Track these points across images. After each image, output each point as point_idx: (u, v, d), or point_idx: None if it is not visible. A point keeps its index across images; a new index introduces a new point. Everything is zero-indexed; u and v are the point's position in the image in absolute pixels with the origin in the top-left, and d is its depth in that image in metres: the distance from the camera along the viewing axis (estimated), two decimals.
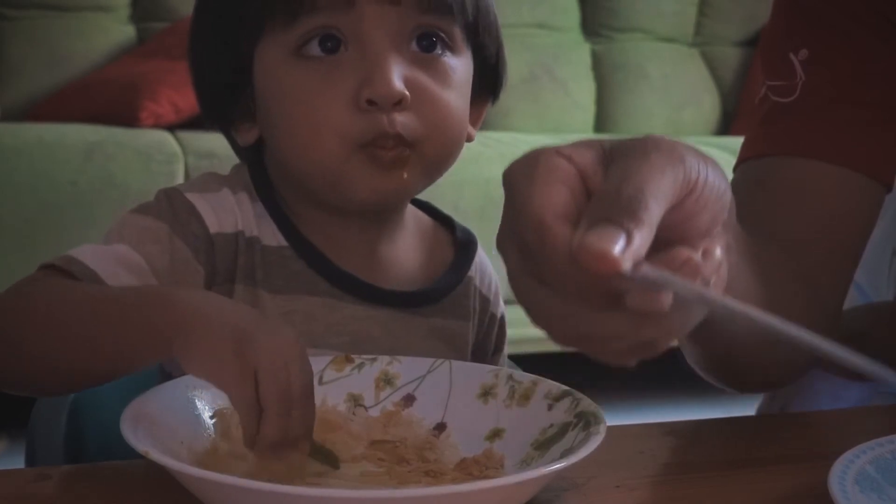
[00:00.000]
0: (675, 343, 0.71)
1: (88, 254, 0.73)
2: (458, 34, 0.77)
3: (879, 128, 0.85)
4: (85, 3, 2.82)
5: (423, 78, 0.75)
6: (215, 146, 2.21)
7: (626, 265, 0.46)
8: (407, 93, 0.73)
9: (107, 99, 2.53)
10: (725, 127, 3.30)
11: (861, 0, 0.87)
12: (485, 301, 0.87)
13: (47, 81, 2.69)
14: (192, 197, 0.78)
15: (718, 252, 0.51)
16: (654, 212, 0.48)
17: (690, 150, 0.51)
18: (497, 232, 0.53)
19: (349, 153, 0.74)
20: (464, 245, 0.86)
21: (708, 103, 3.26)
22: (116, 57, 2.79)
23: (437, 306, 0.83)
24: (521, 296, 0.52)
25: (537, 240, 0.49)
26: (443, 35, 0.76)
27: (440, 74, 0.76)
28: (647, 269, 0.47)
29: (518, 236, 0.50)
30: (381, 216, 0.81)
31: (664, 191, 0.48)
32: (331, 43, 0.74)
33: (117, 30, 2.86)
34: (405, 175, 0.75)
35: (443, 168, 0.79)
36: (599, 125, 3.19)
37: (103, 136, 2.35)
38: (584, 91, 3.18)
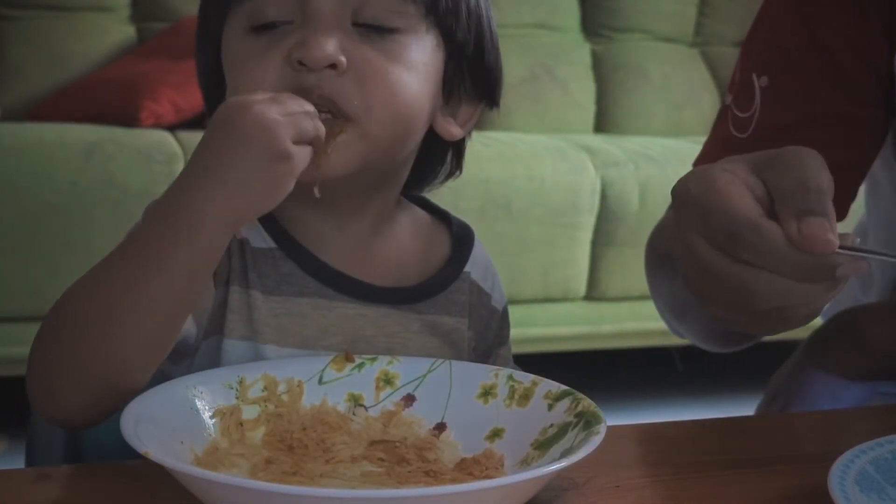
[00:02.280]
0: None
1: None
2: (409, 12, 0.76)
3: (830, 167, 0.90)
4: (85, 3, 2.82)
5: (366, 49, 0.75)
6: None
7: (837, 243, 0.62)
8: (341, 58, 0.73)
9: (107, 99, 2.53)
10: None
11: (832, 36, 0.91)
12: (484, 296, 0.86)
13: (47, 81, 2.69)
14: None
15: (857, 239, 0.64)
16: (831, 200, 0.63)
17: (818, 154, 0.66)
18: (677, 235, 0.68)
19: None
20: (460, 240, 0.86)
21: (708, 103, 3.25)
22: (116, 57, 2.79)
23: (431, 302, 0.82)
24: (721, 281, 0.65)
25: (755, 236, 0.62)
26: (389, 12, 0.75)
27: (387, 49, 0.75)
28: (848, 245, 0.62)
29: (726, 235, 0.64)
30: (365, 210, 0.81)
31: (831, 185, 0.64)
32: (272, 18, 0.75)
33: (117, 30, 2.86)
34: (328, 149, 0.73)
35: (391, 151, 0.77)
36: (599, 125, 3.19)
37: (103, 136, 2.35)
38: (584, 91, 3.18)
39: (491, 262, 0.88)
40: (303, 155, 0.68)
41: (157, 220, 0.67)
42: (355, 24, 0.75)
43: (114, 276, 0.67)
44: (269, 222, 0.80)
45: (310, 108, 0.69)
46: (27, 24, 2.76)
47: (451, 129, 0.82)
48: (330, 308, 0.79)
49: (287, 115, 0.67)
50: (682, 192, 0.67)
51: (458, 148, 0.87)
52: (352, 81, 0.73)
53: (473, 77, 0.81)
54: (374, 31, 0.75)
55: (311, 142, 0.68)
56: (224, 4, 0.78)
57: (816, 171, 0.64)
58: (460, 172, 0.88)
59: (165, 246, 0.66)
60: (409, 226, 0.85)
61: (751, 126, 0.94)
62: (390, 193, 0.83)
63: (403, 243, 0.84)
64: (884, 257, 0.65)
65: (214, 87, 0.82)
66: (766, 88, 0.94)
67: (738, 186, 0.64)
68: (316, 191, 0.73)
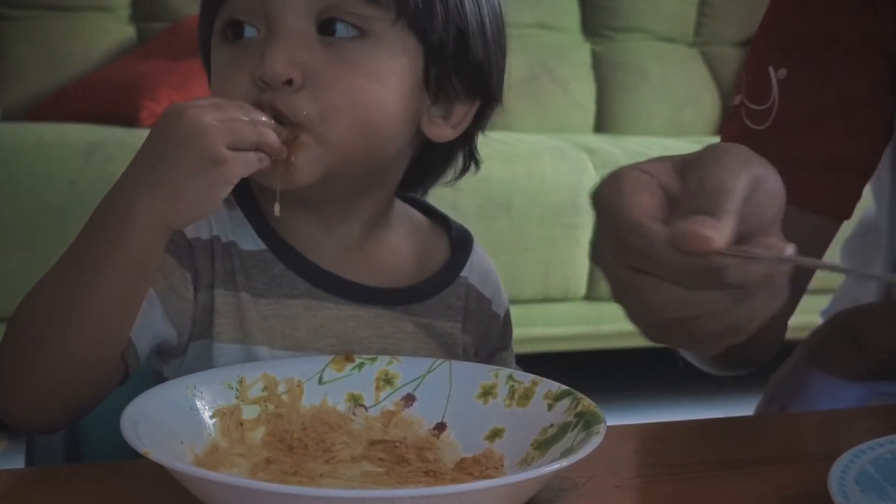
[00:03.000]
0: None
1: None
2: (375, 16, 0.75)
3: (843, 168, 0.89)
4: (85, 3, 2.82)
5: (322, 59, 0.74)
6: None
7: (720, 242, 0.55)
8: (294, 75, 0.73)
9: (107, 99, 2.53)
10: None
11: (844, 24, 0.90)
12: (484, 301, 0.86)
13: (47, 81, 2.69)
14: None
15: (789, 248, 0.58)
16: (734, 201, 0.56)
17: (753, 154, 0.60)
18: (590, 248, 0.63)
19: None
20: (459, 245, 0.86)
21: (708, 103, 3.26)
22: (117, 57, 2.79)
23: (425, 305, 0.82)
24: (623, 291, 0.61)
25: (639, 238, 0.57)
26: (350, 19, 0.75)
27: (347, 58, 0.75)
28: (738, 248, 0.56)
29: (618, 240, 0.59)
30: (355, 212, 0.81)
31: (740, 184, 0.57)
32: (239, 28, 0.76)
33: (117, 30, 2.86)
34: (292, 158, 0.73)
35: (360, 157, 0.77)
36: (600, 125, 3.19)
37: (103, 136, 2.35)
38: (584, 91, 3.18)
39: (492, 268, 0.88)
40: (243, 161, 0.68)
41: (93, 224, 0.69)
42: (320, 33, 0.75)
43: (56, 282, 0.70)
44: (260, 224, 0.80)
45: (258, 116, 0.70)
46: (27, 23, 2.76)
47: (439, 131, 0.81)
48: (321, 309, 0.79)
49: (224, 121, 0.67)
50: (595, 195, 0.62)
51: (467, 145, 0.86)
52: (305, 94, 0.74)
53: (460, 76, 0.80)
54: (338, 39, 0.75)
55: (258, 148, 0.69)
56: (209, 11, 0.79)
57: (727, 170, 0.58)
58: (477, 168, 0.87)
59: (100, 250, 0.68)
60: (404, 229, 0.85)
61: (769, 118, 0.92)
62: (380, 196, 0.82)
63: (397, 246, 0.84)
64: (772, 258, 0.57)
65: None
66: (785, 80, 0.92)
67: (641, 187, 0.59)
68: (276, 209, 0.74)
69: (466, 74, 0.80)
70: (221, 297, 0.78)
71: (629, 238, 0.58)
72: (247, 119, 0.69)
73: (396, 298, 0.81)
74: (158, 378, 0.78)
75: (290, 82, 0.73)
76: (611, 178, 0.61)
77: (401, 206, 0.86)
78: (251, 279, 0.79)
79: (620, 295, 0.62)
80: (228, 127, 0.67)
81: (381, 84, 0.76)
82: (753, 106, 0.94)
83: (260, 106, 0.73)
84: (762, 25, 0.98)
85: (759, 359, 0.97)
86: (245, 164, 0.68)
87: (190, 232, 0.78)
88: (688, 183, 0.59)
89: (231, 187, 0.68)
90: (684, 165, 0.60)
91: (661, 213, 0.58)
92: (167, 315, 0.76)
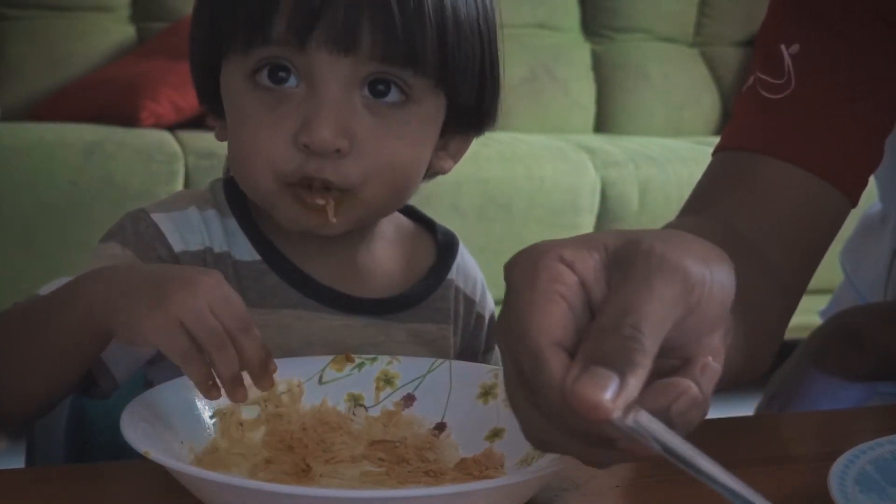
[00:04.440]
0: None
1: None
2: (420, 83, 0.75)
3: (857, 144, 0.87)
4: (85, 3, 2.82)
5: (368, 126, 0.74)
6: (215, 146, 2.21)
7: (617, 413, 0.46)
8: (342, 145, 0.73)
9: (107, 99, 2.53)
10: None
11: (841, 4, 0.88)
12: (469, 303, 0.87)
13: (47, 81, 2.69)
14: (157, 217, 0.79)
15: (715, 365, 0.51)
16: (651, 351, 0.48)
17: (696, 255, 0.50)
18: (495, 323, 0.54)
19: (280, 187, 0.75)
20: (444, 248, 0.86)
21: (708, 103, 3.26)
22: (117, 57, 2.79)
23: (414, 311, 0.83)
24: (513, 403, 0.52)
25: (533, 368, 0.49)
26: (401, 83, 0.75)
27: (393, 123, 0.75)
28: (639, 417, 0.47)
29: (514, 354, 0.50)
30: (357, 231, 0.81)
31: (664, 322, 0.48)
32: (282, 73, 0.74)
33: (117, 30, 2.86)
34: (332, 218, 0.74)
35: (387, 208, 0.80)
36: (600, 125, 3.19)
37: (103, 135, 2.35)
38: (584, 91, 3.18)
39: (476, 269, 0.88)
40: (179, 354, 0.62)
41: (59, 291, 0.70)
42: (370, 94, 0.74)
43: (11, 317, 0.72)
44: (254, 235, 0.80)
45: (249, 344, 0.64)
46: (27, 23, 2.76)
47: (444, 164, 0.82)
48: (312, 319, 0.80)
49: (211, 324, 0.62)
50: (508, 278, 0.52)
51: None
52: (351, 159, 0.73)
53: (469, 118, 0.81)
54: (383, 104, 0.75)
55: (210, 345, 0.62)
56: (224, 46, 0.76)
57: (657, 300, 0.48)
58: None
59: (50, 308, 0.69)
60: (393, 236, 0.85)
61: (787, 90, 0.88)
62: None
63: (387, 254, 0.84)
64: (677, 447, 0.50)
65: (211, 92, 0.80)
66: (798, 55, 0.90)
67: (558, 287, 0.49)
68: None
69: (475, 117, 0.81)
70: None
71: (523, 360, 0.49)
72: (228, 349, 0.62)
73: (387, 308, 0.82)
74: (147, 384, 0.78)
75: (337, 151, 0.73)
76: (529, 258, 0.51)
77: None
78: (245, 289, 0.79)
79: (511, 403, 0.53)
80: (210, 325, 0.62)
81: (418, 145, 0.77)
82: (770, 80, 0.91)
83: (308, 179, 0.73)
84: (771, 5, 0.96)
85: (760, 372, 0.96)
86: (180, 354, 0.62)
87: (178, 245, 0.78)
88: (604, 312, 0.49)
89: (145, 346, 0.66)
90: (614, 261, 0.50)
91: (570, 336, 0.49)
92: None
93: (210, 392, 0.62)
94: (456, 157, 0.83)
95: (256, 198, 0.78)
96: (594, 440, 0.49)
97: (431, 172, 0.83)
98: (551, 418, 0.49)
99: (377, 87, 0.74)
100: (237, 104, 0.76)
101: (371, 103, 0.74)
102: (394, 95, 0.75)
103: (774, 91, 0.89)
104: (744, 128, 0.89)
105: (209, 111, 0.82)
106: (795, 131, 0.86)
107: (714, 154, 0.90)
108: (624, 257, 0.50)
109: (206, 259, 0.78)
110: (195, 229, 0.79)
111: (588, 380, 0.46)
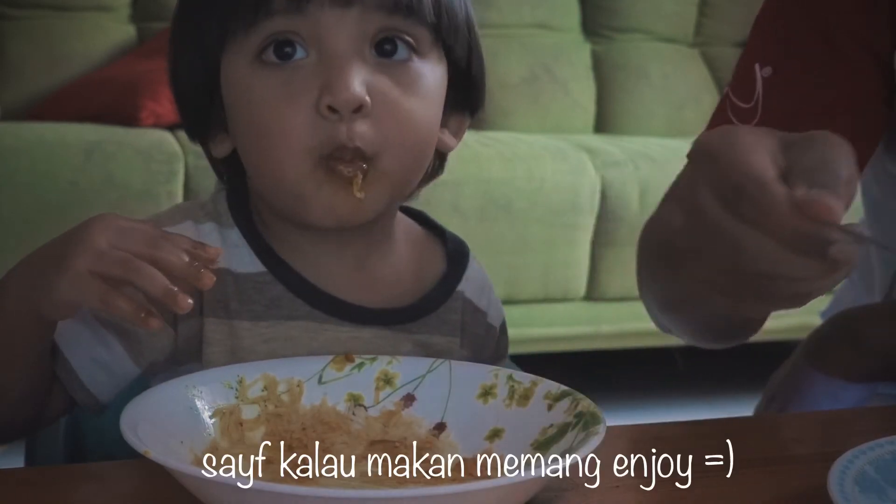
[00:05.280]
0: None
1: None
2: (423, 36, 0.75)
3: None
4: (85, 2, 2.82)
5: (385, 84, 0.74)
6: None
7: (840, 216, 0.59)
8: (367, 98, 0.72)
9: (107, 98, 2.53)
10: None
11: (839, 28, 0.89)
12: (479, 314, 0.85)
13: (48, 81, 2.69)
14: None
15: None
16: (844, 186, 0.61)
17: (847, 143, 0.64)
18: (686, 184, 0.66)
19: (311, 168, 0.73)
20: (454, 257, 0.85)
21: (708, 103, 3.25)
22: (117, 56, 2.79)
23: (422, 322, 0.81)
24: (714, 235, 0.63)
25: (761, 193, 0.60)
26: (407, 38, 0.75)
27: (405, 81, 0.75)
28: (849, 226, 0.60)
29: (730, 188, 0.62)
30: (366, 232, 0.79)
31: (852, 175, 0.62)
32: (288, 48, 0.73)
33: (117, 29, 2.86)
34: (360, 195, 0.73)
35: (406, 183, 0.77)
36: (600, 125, 3.19)
37: (103, 135, 2.35)
38: (584, 91, 3.18)
39: (487, 279, 0.87)
40: (95, 293, 0.64)
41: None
42: (377, 55, 0.74)
43: None
44: (258, 245, 0.79)
45: (174, 257, 0.64)
46: (27, 23, 2.76)
47: (448, 141, 0.82)
48: (319, 331, 0.78)
49: (117, 250, 0.64)
50: (702, 145, 0.65)
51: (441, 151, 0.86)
52: (371, 120, 0.73)
53: (464, 89, 0.81)
54: (393, 61, 0.74)
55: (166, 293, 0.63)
56: (221, 33, 0.75)
57: (841, 156, 0.62)
58: (442, 172, 0.87)
59: None
60: (404, 243, 0.84)
61: (754, 118, 0.93)
62: (393, 212, 0.82)
63: (399, 261, 0.83)
64: (885, 248, 0.63)
65: (195, 99, 0.79)
66: (769, 79, 0.92)
67: (759, 147, 0.63)
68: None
69: (469, 87, 0.81)
70: (212, 326, 0.77)
71: (749, 189, 0.61)
72: (144, 269, 0.63)
73: (395, 318, 0.81)
74: (145, 385, 0.78)
75: (358, 109, 0.72)
76: (721, 130, 0.65)
77: (400, 219, 0.85)
78: (249, 302, 0.77)
79: (707, 238, 0.64)
80: (115, 258, 0.63)
81: (430, 103, 0.77)
82: (739, 103, 0.94)
83: (339, 151, 0.72)
84: (756, 21, 0.98)
85: (752, 333, 0.97)
86: (98, 298, 0.64)
87: None
88: (801, 159, 0.62)
89: (72, 311, 0.67)
90: (787, 143, 0.64)
91: (774, 173, 0.62)
92: (128, 353, 0.76)
93: (147, 322, 0.63)
94: (457, 134, 0.83)
95: (282, 193, 0.76)
96: (811, 246, 0.60)
97: (435, 166, 0.83)
98: (776, 232, 0.60)
99: (384, 48, 0.74)
100: (247, 89, 0.75)
101: (381, 63, 0.74)
102: (401, 53, 0.75)
103: (742, 117, 0.92)
104: None
105: (201, 134, 0.81)
106: None
107: (688, 157, 0.93)
108: (796, 140, 0.63)
109: None
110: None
111: (817, 194, 0.59)
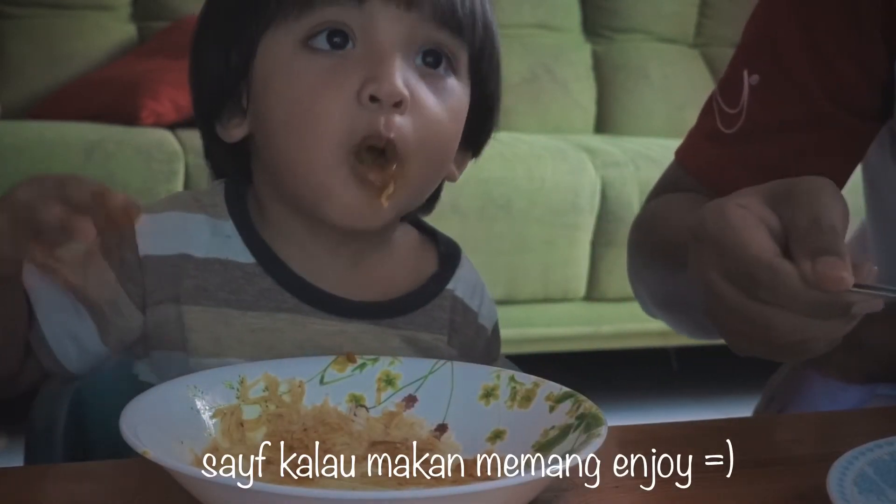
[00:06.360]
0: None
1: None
2: (463, 58, 0.78)
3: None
4: (86, 1, 2.82)
5: (423, 90, 0.75)
6: None
7: (851, 281, 0.62)
8: (407, 94, 0.73)
9: (107, 97, 2.53)
10: None
11: (830, 42, 0.90)
12: (470, 314, 0.85)
13: (48, 80, 2.69)
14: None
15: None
16: (843, 239, 0.64)
17: (832, 184, 0.67)
18: (694, 268, 0.70)
19: (339, 160, 0.73)
20: (446, 258, 0.85)
21: None
22: (117, 56, 2.79)
23: (410, 318, 0.82)
24: (740, 317, 0.67)
25: (770, 276, 0.64)
26: (448, 55, 0.77)
27: (440, 92, 0.76)
28: (863, 284, 0.63)
29: (739, 274, 0.65)
30: (367, 233, 0.79)
31: (845, 218, 0.65)
32: (338, 38, 0.75)
33: (118, 28, 2.86)
34: (384, 202, 0.74)
35: (420, 195, 0.79)
36: (600, 125, 3.19)
37: (104, 134, 2.35)
38: (584, 91, 3.18)
39: (480, 280, 0.87)
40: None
41: None
42: (423, 63, 0.76)
43: None
44: (250, 237, 0.79)
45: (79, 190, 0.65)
46: (28, 22, 2.76)
47: (454, 172, 0.84)
48: (306, 324, 0.79)
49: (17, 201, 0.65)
50: (699, 229, 0.68)
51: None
52: (408, 120, 0.74)
53: (478, 123, 0.83)
54: (435, 72, 0.77)
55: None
56: (270, 14, 0.76)
57: (830, 206, 0.64)
58: (437, 202, 0.88)
59: None
60: (400, 245, 0.85)
61: (738, 123, 0.94)
62: (397, 217, 0.82)
63: (394, 263, 0.83)
64: (890, 292, 0.65)
65: (217, 80, 0.79)
66: (756, 87, 0.93)
67: (752, 223, 0.65)
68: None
69: (481, 125, 0.83)
70: (192, 314, 0.77)
71: (758, 275, 0.64)
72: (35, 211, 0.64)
73: (382, 312, 0.81)
74: (139, 383, 0.78)
75: (398, 104, 0.73)
76: (713, 210, 0.67)
77: (397, 222, 0.85)
78: (238, 292, 0.78)
79: (734, 320, 0.68)
80: (23, 201, 0.64)
81: (457, 120, 0.78)
82: (726, 108, 0.95)
83: (374, 139, 0.73)
84: (746, 27, 0.99)
85: None
86: (8, 242, 0.65)
87: (144, 248, 0.77)
88: (794, 219, 0.65)
89: (10, 266, 0.68)
90: (773, 199, 0.66)
91: (777, 249, 0.65)
92: (97, 329, 0.77)
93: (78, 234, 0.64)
94: (460, 168, 0.84)
95: (304, 183, 0.76)
96: (834, 311, 0.64)
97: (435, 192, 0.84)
98: (795, 305, 0.64)
99: (427, 59, 0.76)
100: (289, 71, 0.75)
101: (421, 70, 0.76)
102: (441, 67, 0.77)
103: (730, 124, 0.93)
104: (699, 152, 0.99)
105: (215, 117, 0.80)
106: (739, 170, 0.93)
107: (676, 154, 0.99)
108: (781, 194, 0.66)
109: (180, 264, 0.77)
110: (170, 234, 0.78)
111: (827, 264, 0.62)
